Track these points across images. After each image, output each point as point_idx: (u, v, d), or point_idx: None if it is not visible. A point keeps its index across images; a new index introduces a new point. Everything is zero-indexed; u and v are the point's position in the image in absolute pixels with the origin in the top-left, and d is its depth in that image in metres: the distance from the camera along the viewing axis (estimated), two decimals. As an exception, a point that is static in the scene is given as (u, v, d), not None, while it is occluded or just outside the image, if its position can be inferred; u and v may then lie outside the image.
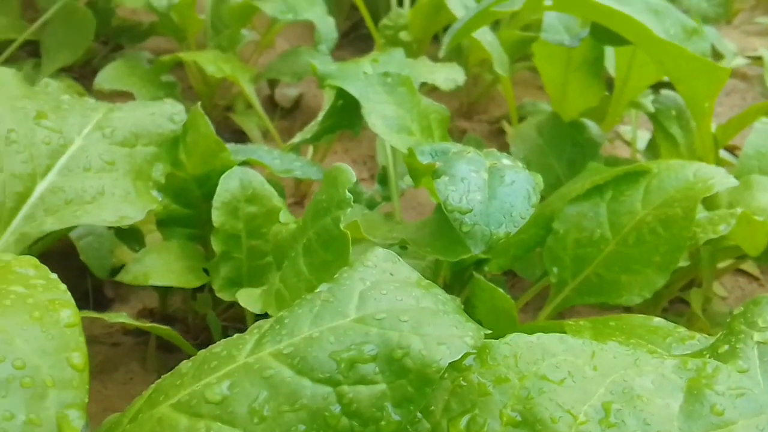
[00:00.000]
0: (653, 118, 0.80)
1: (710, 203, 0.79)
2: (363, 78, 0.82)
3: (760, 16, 1.83)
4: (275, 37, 1.38)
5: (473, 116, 1.32)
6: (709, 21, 1.65)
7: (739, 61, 1.49)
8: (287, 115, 1.33)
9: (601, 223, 0.72)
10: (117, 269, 0.74)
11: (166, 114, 0.72)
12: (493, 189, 0.59)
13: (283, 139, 1.14)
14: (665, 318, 0.57)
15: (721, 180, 0.68)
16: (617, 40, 0.72)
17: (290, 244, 0.62)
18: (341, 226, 0.56)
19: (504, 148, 0.91)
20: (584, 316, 0.77)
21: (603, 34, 0.75)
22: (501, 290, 0.62)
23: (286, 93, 1.37)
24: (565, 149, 0.90)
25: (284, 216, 0.68)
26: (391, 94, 0.78)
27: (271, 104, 1.35)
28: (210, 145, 0.70)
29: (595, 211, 0.72)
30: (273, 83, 1.35)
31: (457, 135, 1.22)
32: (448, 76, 0.89)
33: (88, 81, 1.13)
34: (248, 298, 0.63)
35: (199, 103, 0.72)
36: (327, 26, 1.08)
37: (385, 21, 1.26)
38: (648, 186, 0.72)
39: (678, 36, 0.75)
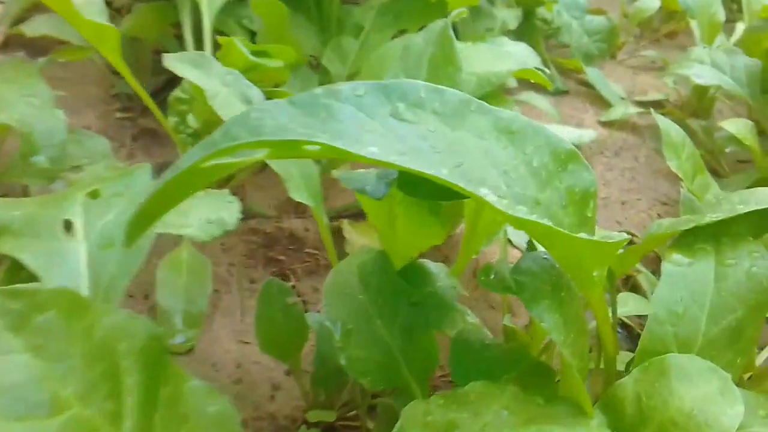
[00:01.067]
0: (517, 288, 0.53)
1: (612, 406, 0.52)
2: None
3: (646, 46, 1.64)
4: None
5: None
6: (593, 59, 1.43)
7: (629, 110, 1.27)
8: None
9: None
10: None
11: None
12: None
13: None
14: None
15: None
16: (444, 195, 0.44)
17: None
18: None
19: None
20: None
21: (416, 188, 0.46)
22: None
23: None
24: (399, 310, 0.61)
25: None
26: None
27: None
28: None
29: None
30: None
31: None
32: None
33: None
34: None
35: None
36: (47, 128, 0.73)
37: (178, 92, 0.93)
38: None
39: (547, 167, 0.47)
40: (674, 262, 0.59)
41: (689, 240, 0.61)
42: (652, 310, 0.57)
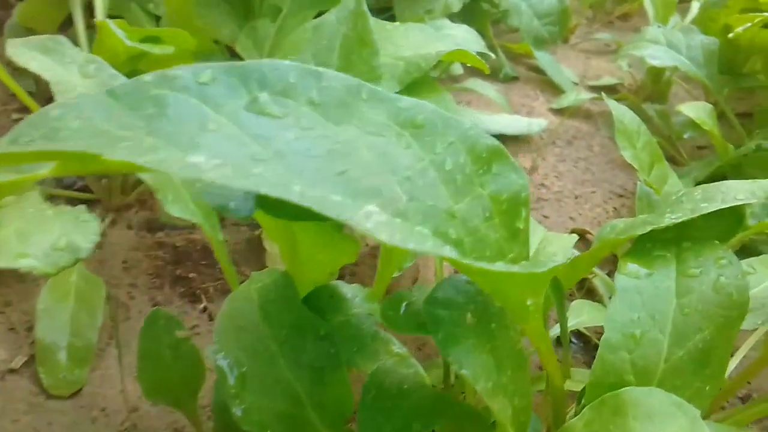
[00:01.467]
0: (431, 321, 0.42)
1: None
2: None
3: (599, 30, 1.55)
4: None
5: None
6: (544, 43, 1.34)
7: (582, 96, 1.18)
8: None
9: None
10: None
11: None
12: None
13: None
14: None
15: None
16: (316, 215, 0.33)
17: None
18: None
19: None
20: None
21: (279, 207, 0.36)
22: None
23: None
24: (306, 346, 0.51)
25: None
26: None
27: None
28: None
29: None
30: None
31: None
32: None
33: None
34: None
35: None
36: None
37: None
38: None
39: (464, 170, 0.37)
40: (629, 274, 0.50)
41: (646, 246, 0.52)
42: (604, 333, 0.47)
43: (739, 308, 0.47)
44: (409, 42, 0.72)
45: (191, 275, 0.79)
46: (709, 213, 0.51)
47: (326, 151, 0.33)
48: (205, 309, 0.76)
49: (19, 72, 1.00)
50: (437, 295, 0.38)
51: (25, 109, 1.10)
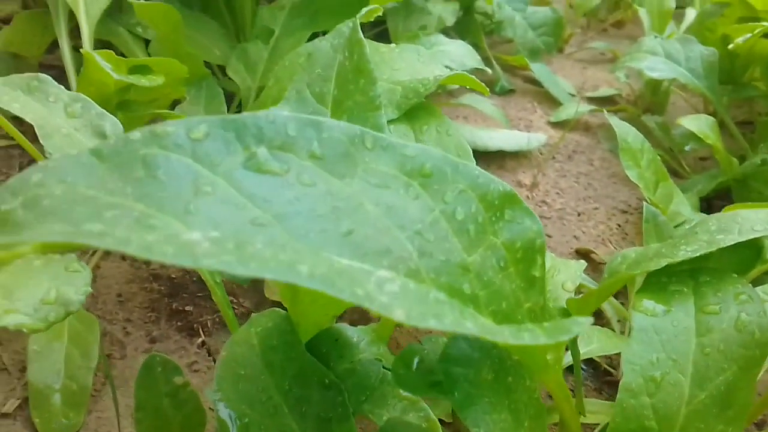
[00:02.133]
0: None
1: None
2: None
3: (593, 38, 1.54)
4: None
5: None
6: (540, 54, 1.32)
7: (581, 109, 1.16)
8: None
9: None
10: None
11: None
12: None
13: None
14: None
15: None
16: None
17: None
18: None
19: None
20: None
21: None
22: None
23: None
24: (312, 395, 0.48)
25: None
26: None
27: None
28: None
29: None
30: None
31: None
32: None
33: None
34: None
35: None
36: None
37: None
38: None
39: (476, 219, 0.35)
40: (646, 312, 0.48)
41: (662, 281, 0.50)
42: (623, 377, 0.45)
43: (761, 347, 0.45)
44: (405, 65, 0.70)
45: (188, 308, 0.76)
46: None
47: (331, 209, 0.31)
48: (203, 344, 0.73)
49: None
50: (452, 352, 0.36)
51: (6, 136, 1.07)
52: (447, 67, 0.73)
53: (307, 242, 0.29)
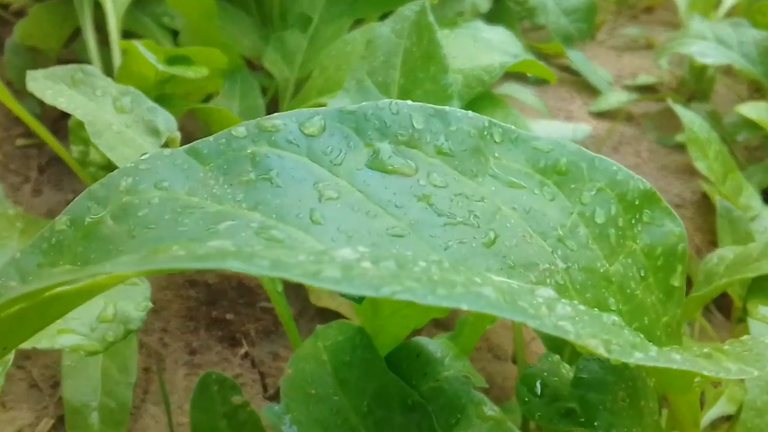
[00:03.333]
0: None
1: None
2: None
3: (624, 24, 1.49)
4: None
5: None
6: (573, 41, 1.27)
7: (620, 98, 1.11)
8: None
9: None
10: None
11: None
12: None
13: None
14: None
15: None
16: None
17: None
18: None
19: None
20: None
21: None
22: None
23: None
24: (393, 417, 0.44)
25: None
26: None
27: None
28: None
29: None
30: None
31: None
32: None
33: None
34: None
35: None
36: None
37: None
38: None
39: (616, 221, 0.30)
40: (763, 320, 0.43)
41: (775, 283, 0.45)
42: (748, 395, 0.40)
43: None
44: (463, 52, 0.65)
45: (228, 316, 0.71)
46: None
47: (467, 213, 0.26)
48: (246, 355, 0.69)
49: (21, 93, 0.93)
50: (585, 376, 0.31)
51: (30, 134, 1.02)
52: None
53: (451, 255, 0.24)
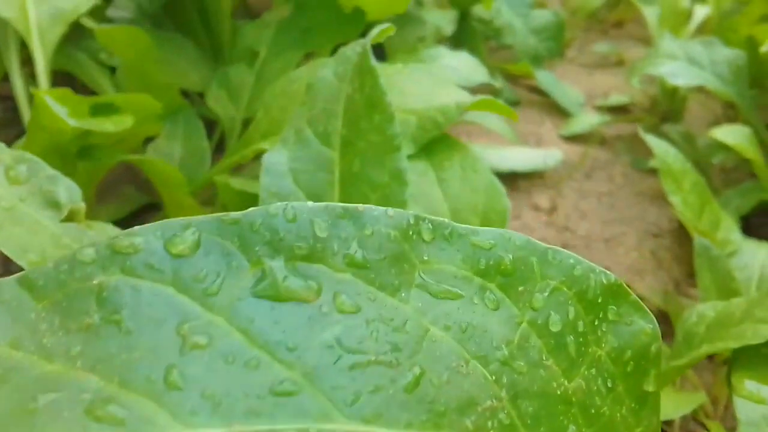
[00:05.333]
0: None
1: None
2: None
3: (595, 39, 1.46)
4: None
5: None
6: (542, 60, 1.23)
7: (592, 120, 1.07)
8: None
9: None
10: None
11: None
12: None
13: None
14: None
15: None
16: None
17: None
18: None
19: None
20: None
21: None
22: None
23: None
24: None
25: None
26: None
27: None
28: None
29: None
30: None
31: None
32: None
33: None
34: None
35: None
36: None
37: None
38: None
39: (575, 326, 0.25)
40: (751, 398, 0.38)
41: (762, 352, 0.41)
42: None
43: None
44: (418, 89, 0.61)
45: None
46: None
47: (385, 346, 0.21)
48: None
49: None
50: None
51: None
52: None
53: (359, 411, 0.19)
